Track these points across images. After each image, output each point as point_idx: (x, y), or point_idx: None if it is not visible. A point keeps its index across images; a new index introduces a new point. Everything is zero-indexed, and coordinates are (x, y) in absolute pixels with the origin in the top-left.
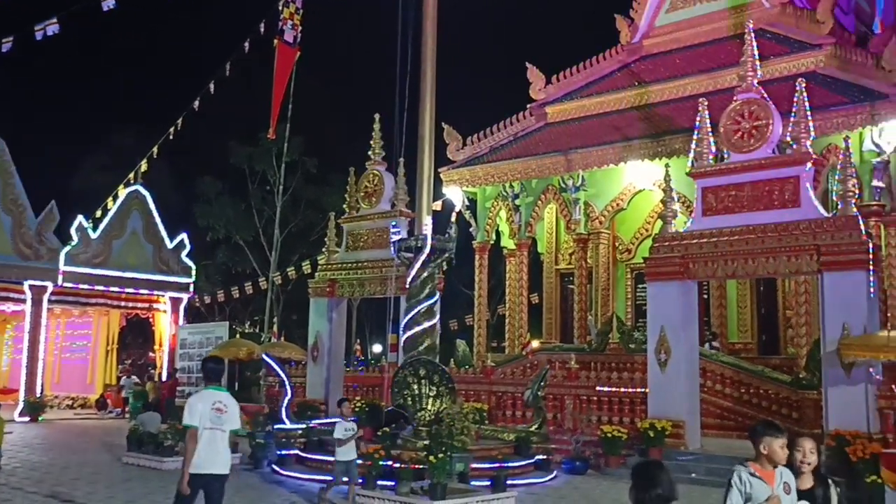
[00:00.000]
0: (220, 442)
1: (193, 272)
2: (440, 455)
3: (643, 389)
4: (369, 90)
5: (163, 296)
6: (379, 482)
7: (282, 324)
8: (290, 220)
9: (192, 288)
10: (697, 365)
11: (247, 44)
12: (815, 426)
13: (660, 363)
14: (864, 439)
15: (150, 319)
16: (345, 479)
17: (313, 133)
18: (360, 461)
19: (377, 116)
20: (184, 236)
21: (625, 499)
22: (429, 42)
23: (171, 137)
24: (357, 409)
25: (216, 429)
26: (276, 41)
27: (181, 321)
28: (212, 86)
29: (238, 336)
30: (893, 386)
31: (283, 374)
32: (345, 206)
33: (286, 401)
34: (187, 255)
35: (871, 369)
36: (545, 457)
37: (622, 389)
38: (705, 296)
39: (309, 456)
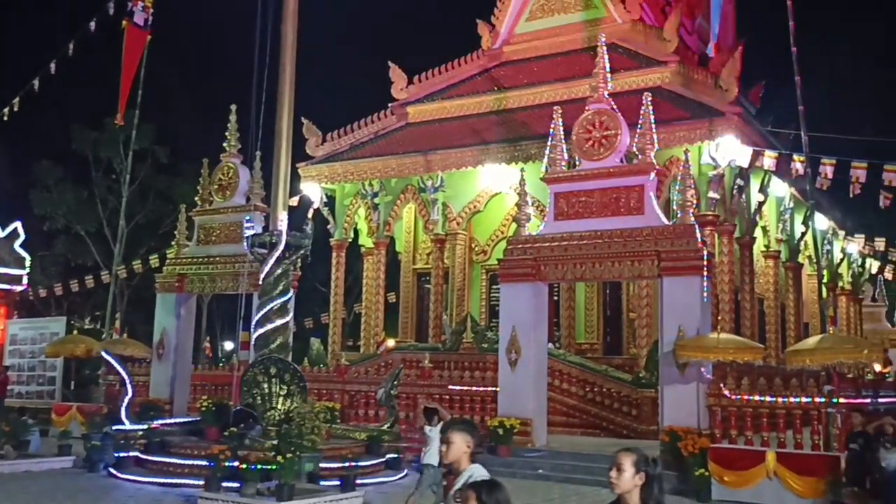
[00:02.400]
0: None
1: (27, 263)
2: (289, 455)
3: (494, 388)
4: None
5: None
6: (224, 484)
7: (125, 320)
8: (137, 211)
9: (25, 280)
10: (546, 364)
11: (93, 23)
12: (652, 423)
13: (510, 363)
14: (694, 435)
15: None
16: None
17: (166, 121)
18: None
19: (233, 107)
20: (17, 225)
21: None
22: (289, 34)
23: (5, 118)
24: (203, 409)
25: None
26: (124, 22)
27: (12, 316)
28: (53, 65)
29: (76, 332)
30: (721, 385)
31: (123, 373)
32: (197, 198)
33: (126, 400)
34: (21, 245)
35: (702, 369)
36: (396, 455)
37: (474, 388)
38: (555, 298)
39: (149, 458)
